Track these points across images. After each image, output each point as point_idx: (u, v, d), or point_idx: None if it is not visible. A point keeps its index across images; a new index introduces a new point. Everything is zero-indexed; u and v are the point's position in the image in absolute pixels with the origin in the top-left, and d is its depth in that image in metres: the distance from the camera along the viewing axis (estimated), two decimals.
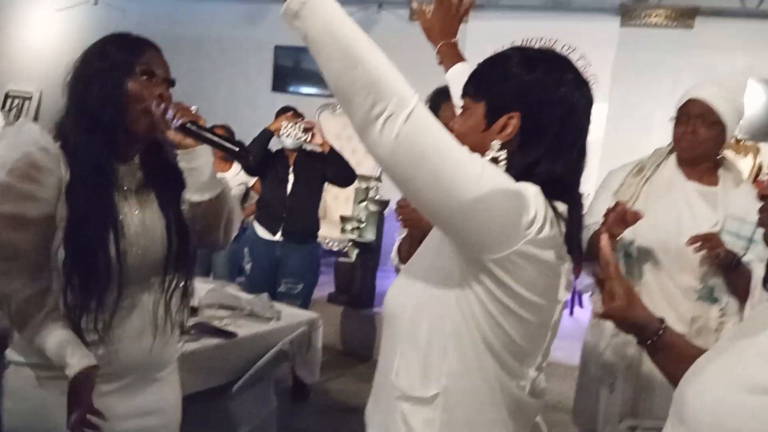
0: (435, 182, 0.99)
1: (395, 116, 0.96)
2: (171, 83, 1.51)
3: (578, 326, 5.10)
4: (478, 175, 1.00)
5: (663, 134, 5.98)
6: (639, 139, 5.43)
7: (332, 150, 3.70)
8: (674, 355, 1.21)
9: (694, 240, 1.96)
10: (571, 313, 5.31)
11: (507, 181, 1.05)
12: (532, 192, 1.07)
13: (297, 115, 3.85)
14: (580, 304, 5.41)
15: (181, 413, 1.72)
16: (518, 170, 1.10)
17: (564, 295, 1.18)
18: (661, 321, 1.25)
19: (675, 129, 2.13)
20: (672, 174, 2.14)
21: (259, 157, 3.76)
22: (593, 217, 2.10)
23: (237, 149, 1.49)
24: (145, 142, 1.51)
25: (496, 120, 1.14)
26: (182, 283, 1.58)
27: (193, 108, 1.49)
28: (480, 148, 1.11)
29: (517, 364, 1.14)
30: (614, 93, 5.46)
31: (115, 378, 1.49)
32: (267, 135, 3.77)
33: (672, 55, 5.28)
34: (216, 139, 1.47)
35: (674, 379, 1.14)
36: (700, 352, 1.06)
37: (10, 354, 1.50)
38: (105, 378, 1.46)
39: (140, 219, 1.50)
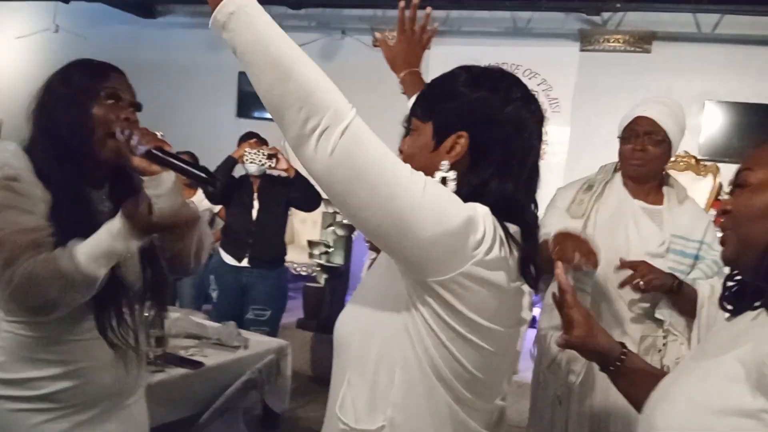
0: (373, 199, 0.94)
1: (330, 130, 0.92)
2: (137, 107, 1.50)
3: (529, 342, 5.14)
4: (419, 193, 0.96)
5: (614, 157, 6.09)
6: (601, 160, 5.45)
7: (297, 174, 3.70)
8: (637, 379, 1.20)
9: (624, 277, 1.93)
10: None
11: (452, 200, 1.01)
12: (480, 211, 1.02)
13: (260, 141, 3.84)
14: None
15: None
16: (468, 190, 1.06)
17: (527, 316, 1.14)
18: (622, 345, 1.25)
19: (622, 147, 2.12)
20: (618, 192, 2.14)
21: (224, 185, 3.74)
22: (544, 229, 2.05)
23: (204, 175, 1.48)
24: (111, 167, 1.49)
25: (444, 140, 1.10)
26: (160, 315, 1.57)
27: (159, 134, 1.47)
28: (429, 169, 1.07)
29: (471, 395, 1.08)
30: (576, 116, 5.57)
31: (88, 407, 1.47)
32: (231, 163, 3.75)
33: (631, 78, 5.41)
34: (183, 165, 1.45)
35: (637, 403, 1.13)
36: (663, 374, 1.06)
37: (3, 399, 1.43)
38: (78, 408, 1.45)
39: None
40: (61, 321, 1.40)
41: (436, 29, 1.84)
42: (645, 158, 2.07)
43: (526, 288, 1.11)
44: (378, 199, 0.94)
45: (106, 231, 1.35)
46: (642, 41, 5.44)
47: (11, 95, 7.40)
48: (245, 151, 3.62)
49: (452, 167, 1.10)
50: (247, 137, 3.93)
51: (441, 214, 0.97)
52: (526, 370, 4.22)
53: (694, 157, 5.12)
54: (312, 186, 3.77)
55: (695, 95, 5.23)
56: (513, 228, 1.08)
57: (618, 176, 2.17)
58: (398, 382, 1.06)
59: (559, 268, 1.27)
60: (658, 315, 2.01)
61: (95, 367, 1.47)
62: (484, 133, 1.09)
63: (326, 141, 0.92)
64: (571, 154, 5.52)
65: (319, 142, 0.92)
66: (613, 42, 5.52)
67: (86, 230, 1.39)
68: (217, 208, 4.47)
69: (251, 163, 3.62)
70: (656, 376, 1.16)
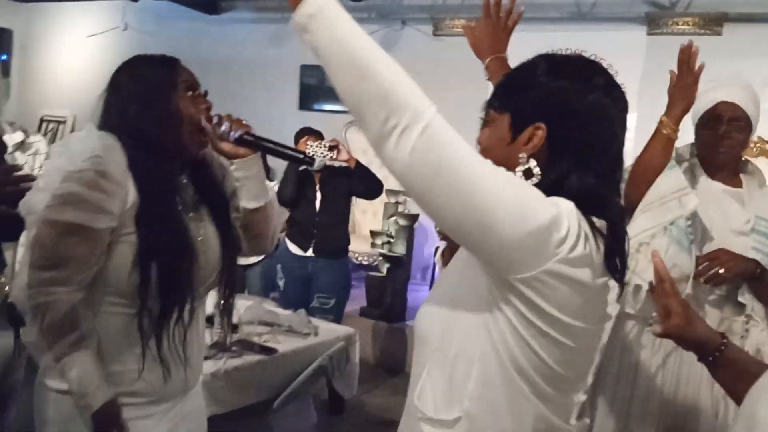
0: (454, 197, 0.93)
1: (409, 130, 0.91)
2: (205, 95, 1.52)
3: None
4: (501, 189, 0.95)
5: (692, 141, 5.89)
6: None
7: (358, 164, 3.73)
8: (737, 370, 1.17)
9: (698, 273, 1.89)
10: None
11: (536, 196, 0.99)
12: (564, 207, 1.00)
13: (316, 135, 3.90)
14: None
15: (224, 430, 1.75)
16: (547, 184, 1.03)
17: (613, 310, 1.12)
18: (723, 336, 1.22)
19: (702, 132, 2.05)
20: (697, 176, 2.07)
21: (293, 191, 3.81)
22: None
23: (300, 155, 1.51)
24: (195, 157, 1.52)
25: (521, 132, 1.08)
26: (229, 300, 1.61)
27: (244, 119, 1.50)
28: (507, 162, 1.04)
29: (552, 390, 1.06)
30: (643, 102, 5.39)
31: (166, 399, 1.51)
32: (295, 168, 3.81)
33: (700, 61, 5.24)
34: (277, 147, 1.48)
35: (737, 395, 1.11)
36: (765, 366, 1.03)
37: (51, 381, 1.46)
38: (153, 403, 1.49)
39: (201, 235, 1.51)
40: (119, 321, 1.43)
41: (521, 13, 1.80)
42: (730, 144, 2.00)
43: (612, 283, 1.09)
44: (459, 197, 0.94)
45: (87, 396, 1.37)
46: (713, 23, 5.25)
47: (83, 92, 7.70)
48: (307, 145, 3.67)
49: (530, 159, 1.07)
50: (302, 134, 3.99)
51: (523, 211, 0.95)
52: None
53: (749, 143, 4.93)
54: (373, 174, 3.80)
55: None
56: (598, 222, 1.05)
57: (695, 160, 2.10)
58: (475, 375, 1.06)
59: (657, 256, 1.24)
60: (740, 299, 1.95)
61: (174, 359, 1.48)
62: (563, 123, 1.06)
63: (406, 140, 0.92)
64: (637, 141, 5.37)
65: (398, 142, 0.92)
66: (682, 25, 5.34)
67: (169, 222, 1.43)
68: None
69: (313, 155, 3.66)
70: (758, 367, 1.12)
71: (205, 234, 1.53)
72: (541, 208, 0.97)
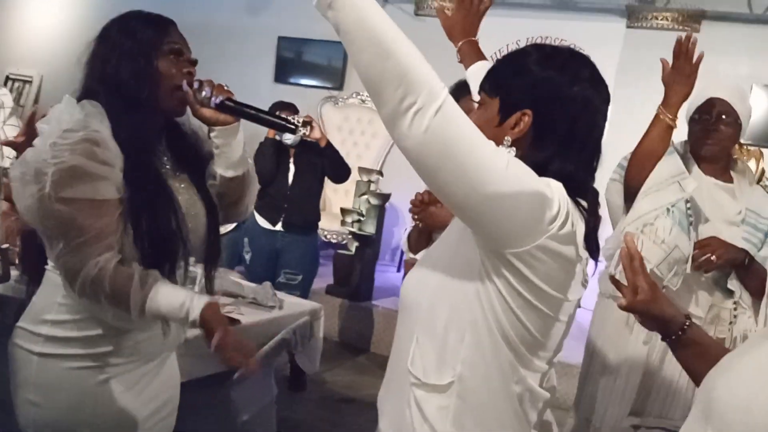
0: (461, 175, 0.99)
1: (425, 109, 0.96)
2: (195, 63, 1.51)
3: (576, 325, 5.13)
4: (503, 169, 1.01)
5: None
6: None
7: (329, 145, 3.72)
8: (699, 351, 1.21)
9: (696, 257, 1.98)
10: None
11: (532, 176, 1.06)
12: (555, 186, 1.08)
13: (291, 109, 3.85)
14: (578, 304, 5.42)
15: (184, 399, 1.73)
16: (531, 167, 1.09)
17: (580, 292, 1.18)
18: (687, 317, 1.26)
19: (694, 127, 2.15)
20: (691, 170, 2.13)
21: (271, 167, 3.76)
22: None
23: (281, 121, 1.50)
24: (171, 120, 1.50)
25: (509, 116, 1.15)
26: (212, 269, 1.59)
27: (225, 85, 1.48)
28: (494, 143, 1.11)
29: (530, 355, 1.15)
30: (618, 94, 5.40)
31: (146, 361, 1.52)
32: (270, 144, 3.77)
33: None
34: (258, 113, 1.48)
35: (697, 376, 1.14)
36: (725, 350, 1.06)
37: (35, 345, 1.44)
38: (138, 363, 1.49)
39: (185, 200, 1.49)
40: None
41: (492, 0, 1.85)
42: (718, 138, 2.10)
43: (585, 261, 1.16)
44: (465, 175, 0.99)
45: (185, 311, 1.35)
46: (691, 20, 5.31)
47: (51, 52, 7.49)
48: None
49: (514, 144, 1.14)
50: (275, 108, 3.93)
51: (523, 190, 1.03)
52: (569, 351, 4.24)
53: (738, 142, 5.02)
54: (342, 159, 3.81)
55: (742, 78, 5.09)
56: (582, 202, 1.13)
57: (688, 156, 2.18)
58: (467, 341, 1.13)
59: (629, 235, 1.30)
60: (729, 286, 2.05)
61: (153, 321, 1.48)
62: (549, 111, 1.13)
63: (421, 119, 0.96)
64: (612, 131, 5.38)
65: (414, 120, 0.96)
66: (662, 20, 5.39)
67: (157, 188, 1.41)
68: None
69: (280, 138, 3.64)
70: (719, 350, 1.17)
71: (191, 200, 1.51)
72: (538, 187, 1.05)
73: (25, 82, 7.73)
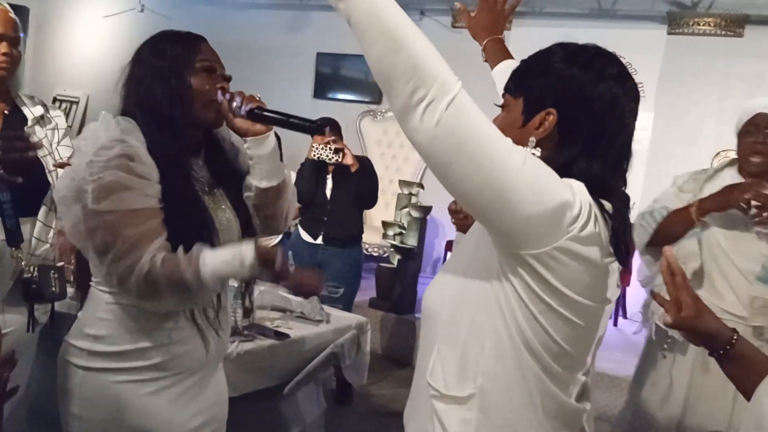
0: (474, 171, 0.96)
1: (436, 102, 0.93)
2: (229, 79, 1.53)
3: (621, 336, 5.05)
4: (519, 166, 0.97)
5: (710, 143, 5.87)
6: (686, 148, 5.35)
7: (359, 170, 3.76)
8: (747, 365, 1.18)
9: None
10: (615, 323, 5.24)
11: (551, 175, 1.02)
12: (577, 187, 1.03)
13: (335, 126, 3.89)
14: (624, 315, 5.33)
15: (234, 414, 1.74)
16: (555, 168, 1.05)
17: (612, 295, 1.14)
18: (734, 330, 1.22)
19: (742, 140, 2.20)
20: (732, 177, 2.22)
21: (311, 187, 3.82)
22: (658, 203, 2.31)
23: (310, 124, 1.49)
24: (208, 135, 1.52)
25: (533, 116, 1.11)
26: (250, 283, 1.60)
27: (257, 96, 1.50)
28: (518, 145, 1.05)
29: (559, 367, 1.09)
30: (660, 102, 5.39)
31: (190, 374, 1.52)
32: (309, 166, 3.83)
33: (720, 63, 5.19)
34: (287, 118, 1.47)
35: (747, 390, 1.11)
36: None
37: (75, 359, 1.48)
38: (182, 376, 1.50)
39: (220, 216, 1.51)
40: None
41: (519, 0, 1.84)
42: (765, 151, 2.14)
43: (613, 266, 1.11)
44: (479, 171, 0.96)
45: (238, 260, 1.36)
46: (734, 24, 5.20)
47: (97, 73, 7.69)
48: (312, 146, 3.71)
49: (539, 144, 1.10)
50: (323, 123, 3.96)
51: (540, 189, 0.98)
52: (600, 360, 4.20)
53: None
54: (372, 186, 3.84)
55: None
56: (607, 205, 1.08)
57: (732, 168, 2.25)
58: (488, 351, 1.08)
59: (668, 249, 1.25)
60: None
61: (196, 334, 1.50)
62: (574, 110, 1.09)
63: (432, 112, 0.93)
64: (654, 140, 5.35)
65: (425, 114, 0.94)
66: (703, 25, 5.29)
67: (191, 204, 1.43)
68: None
69: (318, 158, 3.72)
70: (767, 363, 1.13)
71: (225, 216, 1.53)
72: (557, 187, 1.01)
73: (72, 102, 7.96)
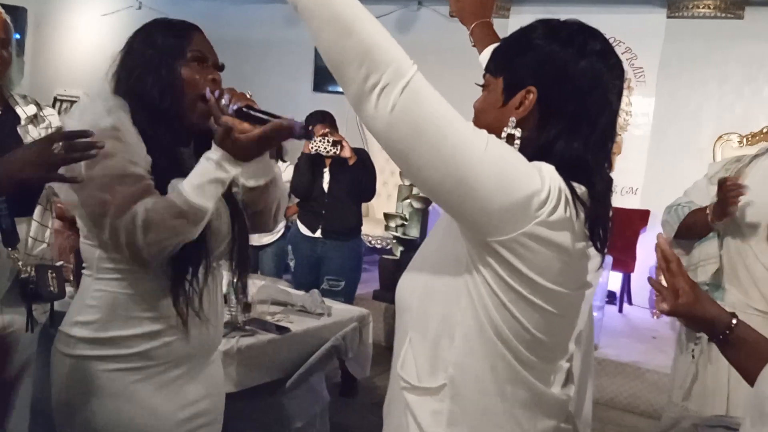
0: (434, 157, 0.92)
1: (390, 87, 0.90)
2: (221, 68, 1.51)
3: (627, 322, 5.04)
4: (481, 150, 0.93)
5: (711, 126, 5.84)
6: (688, 132, 5.33)
7: (357, 163, 3.76)
8: (748, 349, 1.16)
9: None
10: (620, 309, 5.23)
11: (518, 159, 0.98)
12: (546, 170, 0.99)
13: (329, 121, 3.88)
14: (629, 301, 5.32)
15: (237, 408, 1.74)
16: (534, 149, 1.03)
17: (593, 279, 1.11)
18: (733, 315, 1.21)
19: None
20: None
21: (307, 183, 3.83)
22: (686, 197, 2.30)
23: (301, 127, 1.48)
24: (198, 128, 1.50)
25: (514, 95, 1.07)
26: (243, 276, 1.59)
27: (248, 93, 1.47)
28: (498, 126, 1.05)
29: (534, 357, 1.06)
30: (662, 86, 5.36)
31: (178, 364, 1.50)
32: (305, 160, 3.84)
33: (721, 46, 5.16)
34: (275, 119, 1.43)
35: (748, 375, 1.10)
36: None
37: (68, 348, 1.47)
38: (170, 365, 1.48)
39: None
40: (153, 277, 1.42)
41: None
42: None
43: (592, 251, 1.07)
44: (439, 157, 0.93)
45: (207, 161, 1.36)
46: (734, 6, 5.16)
47: (97, 71, 7.65)
48: (311, 140, 3.71)
49: (519, 125, 1.06)
50: (313, 117, 3.96)
51: (504, 174, 0.95)
52: (606, 347, 4.20)
53: None
54: (370, 178, 3.84)
55: None
56: (581, 189, 1.03)
57: None
58: (458, 341, 1.06)
59: (662, 237, 1.23)
60: None
61: (195, 321, 1.48)
62: (555, 88, 1.05)
63: (386, 98, 0.91)
64: (655, 125, 5.33)
65: (379, 99, 0.91)
66: (703, 8, 5.25)
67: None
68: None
69: (316, 150, 3.72)
70: None
71: (215, 206, 1.50)
72: (523, 170, 0.97)
73: (72, 102, 7.96)
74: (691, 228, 2.24)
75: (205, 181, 1.37)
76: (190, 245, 1.40)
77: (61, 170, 1.33)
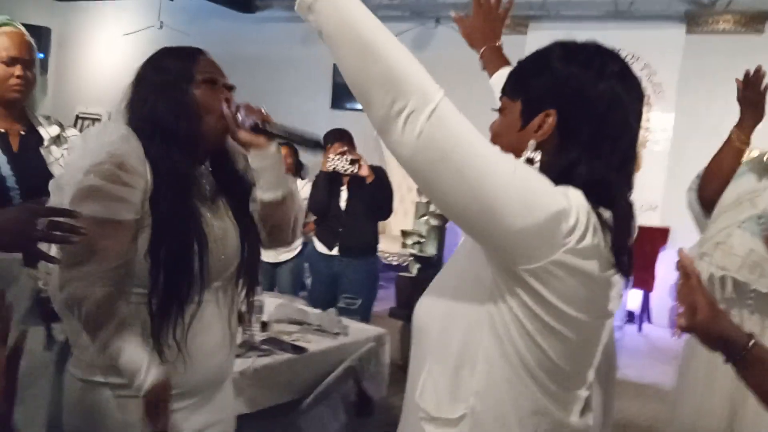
0: (461, 183, 0.91)
1: (417, 113, 0.89)
2: (232, 88, 1.52)
3: (647, 343, 4.98)
4: (509, 176, 0.92)
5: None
6: (708, 148, 5.26)
7: (374, 181, 3.76)
8: (765, 371, 1.13)
9: None
10: (640, 329, 5.17)
11: (544, 184, 0.96)
12: (573, 196, 0.97)
13: (342, 138, 3.89)
14: (649, 320, 5.26)
15: (252, 429, 1.73)
16: (556, 173, 1.00)
17: (614, 307, 1.08)
18: (750, 335, 1.18)
19: None
20: None
21: (324, 199, 3.83)
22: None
23: (312, 141, 1.49)
24: (214, 147, 1.51)
25: (532, 119, 1.05)
26: (251, 295, 1.59)
27: (263, 109, 1.49)
28: (516, 149, 1.03)
29: (555, 386, 1.04)
30: (681, 102, 5.33)
31: (188, 396, 1.48)
32: (323, 178, 3.84)
33: (741, 62, 5.02)
34: (290, 133, 1.46)
35: (766, 397, 1.08)
36: None
37: (74, 370, 1.47)
38: (186, 395, 1.46)
39: (218, 226, 1.49)
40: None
41: (512, 1, 1.80)
42: None
43: (616, 278, 1.05)
44: (465, 183, 0.91)
45: (135, 372, 1.35)
46: (754, 21, 5.13)
47: (119, 90, 7.76)
48: (328, 158, 3.72)
49: (539, 148, 1.05)
50: (331, 135, 3.97)
51: (531, 199, 0.93)
52: (625, 368, 4.14)
53: None
54: (387, 197, 3.82)
55: None
56: (606, 214, 1.01)
57: None
58: (480, 370, 1.03)
59: (683, 251, 1.20)
60: None
61: (201, 352, 1.47)
62: (574, 110, 1.03)
63: (413, 124, 0.90)
64: (675, 142, 5.29)
65: (405, 125, 0.90)
66: (722, 23, 5.23)
67: (182, 218, 1.41)
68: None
69: (334, 168, 3.73)
70: None
71: (223, 225, 1.51)
72: (550, 197, 0.95)
73: (94, 120, 8.07)
74: (718, 162, 2.20)
75: (123, 369, 1.37)
76: (182, 281, 1.41)
77: (55, 195, 1.36)
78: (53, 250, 1.95)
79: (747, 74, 2.14)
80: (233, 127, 1.45)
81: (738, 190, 2.16)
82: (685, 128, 5.30)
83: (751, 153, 2.27)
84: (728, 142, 2.20)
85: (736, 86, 2.18)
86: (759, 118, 2.15)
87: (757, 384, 1.15)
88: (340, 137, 3.92)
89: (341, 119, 5.45)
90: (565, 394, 1.07)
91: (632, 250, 1.07)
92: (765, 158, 2.21)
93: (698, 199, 2.28)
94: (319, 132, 4.14)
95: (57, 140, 2.10)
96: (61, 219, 1.27)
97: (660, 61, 5.36)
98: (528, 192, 0.94)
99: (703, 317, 1.16)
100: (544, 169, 1.03)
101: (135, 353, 1.36)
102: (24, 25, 2.07)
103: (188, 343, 1.44)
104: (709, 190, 2.23)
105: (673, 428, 2.26)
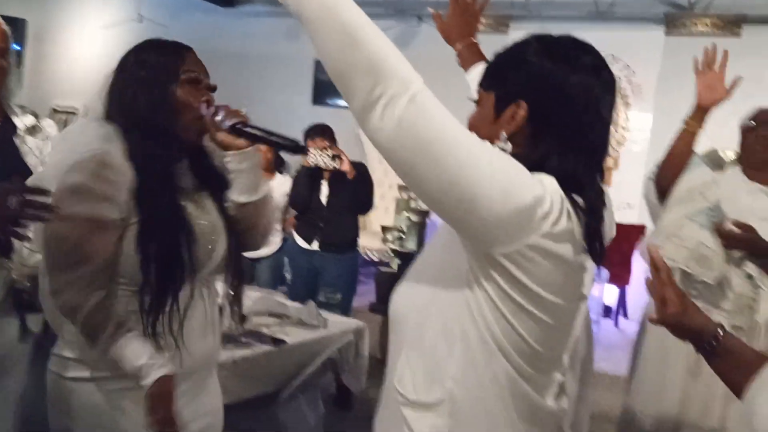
0: (439, 170, 0.92)
1: (396, 99, 0.89)
2: (213, 89, 1.51)
3: (623, 337, 5.03)
4: (487, 163, 0.93)
5: (708, 144, 5.85)
6: None
7: (356, 177, 3.78)
8: (734, 360, 1.16)
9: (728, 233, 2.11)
10: (616, 323, 5.22)
11: (520, 170, 0.98)
12: (548, 182, 1.00)
13: (324, 133, 3.90)
14: (625, 315, 5.31)
15: (231, 420, 1.72)
16: (528, 164, 1.01)
17: (588, 291, 1.11)
18: (720, 325, 1.21)
19: (745, 135, 2.31)
20: (736, 176, 2.29)
21: (306, 196, 3.85)
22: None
23: (291, 144, 1.47)
24: (192, 145, 1.50)
25: (504, 110, 1.07)
26: (237, 285, 1.58)
27: (243, 110, 1.48)
28: (490, 140, 1.03)
29: (531, 369, 1.06)
30: (659, 102, 5.39)
31: (183, 379, 1.47)
32: (304, 173, 3.85)
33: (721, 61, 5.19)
34: (268, 136, 1.45)
35: (735, 386, 1.10)
36: (762, 358, 1.01)
37: (63, 370, 1.46)
38: (176, 381, 1.45)
39: (203, 219, 1.49)
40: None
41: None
42: (766, 145, 2.24)
43: (588, 264, 1.08)
44: (443, 170, 0.92)
45: (138, 367, 1.36)
46: (731, 25, 5.21)
47: (96, 84, 7.68)
48: (310, 152, 3.72)
49: (511, 140, 1.06)
50: (313, 131, 3.97)
51: (509, 187, 0.95)
52: (601, 360, 4.17)
53: None
54: (368, 191, 3.86)
55: None
56: (579, 200, 1.03)
57: (736, 166, 2.33)
58: (458, 355, 1.05)
59: (653, 246, 1.24)
60: (747, 269, 2.16)
61: (192, 336, 1.47)
62: (546, 102, 1.05)
63: (392, 110, 0.90)
64: (653, 141, 5.34)
65: (385, 111, 0.90)
66: (701, 26, 5.30)
67: (167, 213, 1.41)
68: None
69: (316, 164, 3.76)
70: (755, 359, 1.12)
71: (210, 219, 1.51)
72: (526, 183, 0.97)
73: (69, 113, 7.96)
74: (674, 151, 2.30)
75: (123, 364, 1.38)
76: (175, 274, 1.41)
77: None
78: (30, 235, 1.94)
79: (706, 51, 2.23)
80: (211, 129, 1.44)
81: (690, 182, 2.25)
82: (663, 128, 5.34)
83: (708, 149, 2.41)
84: (682, 128, 2.30)
85: (693, 64, 2.27)
86: (716, 100, 2.23)
87: (727, 373, 1.18)
88: (322, 133, 3.93)
89: (322, 115, 5.44)
90: (541, 377, 1.09)
91: (603, 238, 1.08)
92: (719, 153, 2.34)
93: (656, 188, 2.36)
94: (301, 127, 4.15)
95: (32, 130, 2.07)
96: (34, 198, 1.25)
97: (639, 62, 5.42)
98: (506, 179, 0.95)
99: (674, 310, 1.19)
100: (518, 160, 1.03)
101: (137, 350, 1.37)
102: None
103: (183, 330, 1.44)
104: (666, 179, 2.30)
105: (626, 414, 2.35)
